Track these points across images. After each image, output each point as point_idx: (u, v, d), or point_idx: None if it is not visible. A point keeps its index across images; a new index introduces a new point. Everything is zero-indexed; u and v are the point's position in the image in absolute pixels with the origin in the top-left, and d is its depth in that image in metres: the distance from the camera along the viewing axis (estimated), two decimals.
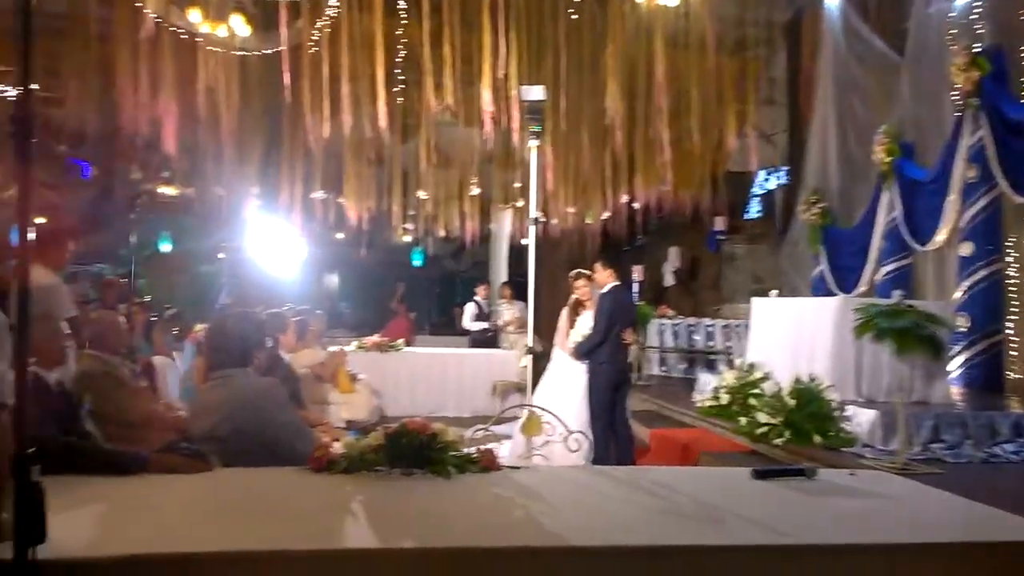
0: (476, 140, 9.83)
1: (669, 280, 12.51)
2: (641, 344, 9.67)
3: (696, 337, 10.39)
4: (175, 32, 6.70)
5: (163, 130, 6.38)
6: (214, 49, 6.38)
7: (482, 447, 3.02)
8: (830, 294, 8.41)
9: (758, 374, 7.01)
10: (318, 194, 8.71)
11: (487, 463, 2.87)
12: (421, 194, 8.79)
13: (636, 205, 9.58)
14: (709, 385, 7.59)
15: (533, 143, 4.10)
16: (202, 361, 5.26)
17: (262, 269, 10.90)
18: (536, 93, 4.33)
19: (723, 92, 9.07)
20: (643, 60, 7.67)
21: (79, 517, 2.09)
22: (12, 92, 9.05)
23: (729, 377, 7.08)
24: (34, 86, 1.68)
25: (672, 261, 12.41)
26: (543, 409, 3.43)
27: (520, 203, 10.17)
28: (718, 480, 3.09)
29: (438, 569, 1.97)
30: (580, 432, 3.48)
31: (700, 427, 6.99)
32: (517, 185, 9.39)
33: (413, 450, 2.78)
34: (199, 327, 6.56)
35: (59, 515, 2.06)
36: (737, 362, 7.28)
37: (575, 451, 3.37)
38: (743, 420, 6.31)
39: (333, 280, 17.49)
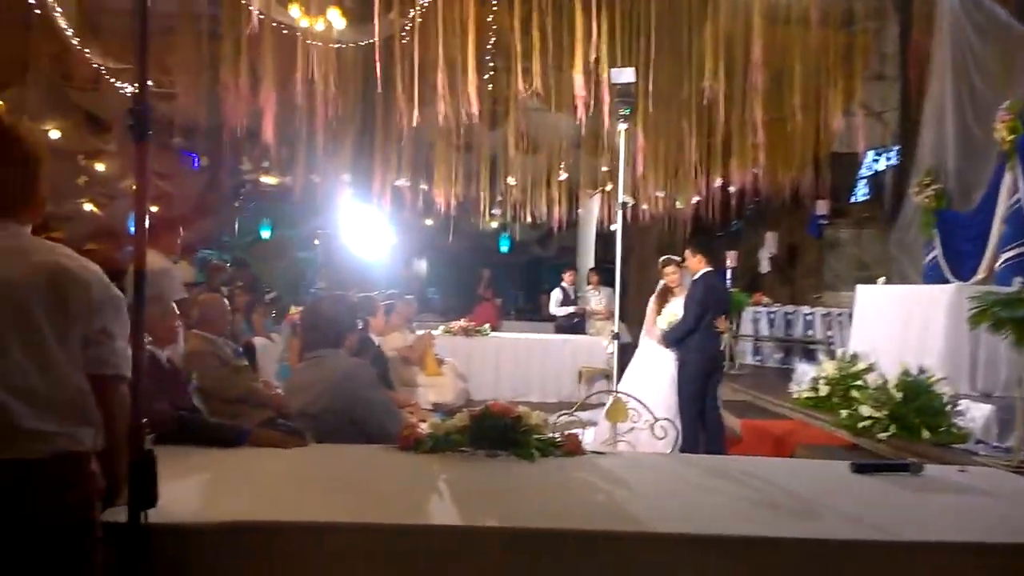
0: (564, 125, 9.82)
1: (765, 267, 12.10)
2: (734, 332, 9.44)
3: (794, 326, 10.05)
4: (276, 27, 6.99)
5: (263, 121, 6.67)
6: (312, 43, 6.61)
7: (566, 432, 3.04)
8: (944, 282, 7.92)
9: (861, 365, 6.73)
10: (401, 181, 8.88)
11: (571, 447, 2.90)
12: (510, 180, 8.83)
13: (731, 189, 9.29)
14: (807, 376, 7.34)
15: (622, 127, 4.06)
16: (297, 342, 5.52)
17: (355, 254, 11.29)
18: (626, 76, 4.29)
19: (828, 68, 8.67)
20: (741, 37, 7.43)
21: (186, 485, 2.25)
22: (130, 89, 9.68)
23: (829, 367, 6.83)
24: (149, 83, 1.79)
25: (769, 247, 11.99)
26: (628, 395, 3.42)
27: (608, 187, 10.07)
28: (815, 472, 2.99)
29: (519, 548, 2.01)
30: (667, 419, 3.45)
31: (796, 419, 6.78)
32: (604, 169, 9.29)
33: (497, 432, 2.83)
34: (295, 310, 6.87)
35: (168, 483, 2.22)
36: (839, 352, 7.00)
37: (661, 439, 3.34)
38: (844, 412, 6.07)
39: (422, 266, 17.87)
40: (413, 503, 2.26)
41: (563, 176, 8.98)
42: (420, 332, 7.59)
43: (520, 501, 2.31)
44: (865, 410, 5.86)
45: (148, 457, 1.60)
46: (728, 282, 9.99)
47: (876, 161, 12.49)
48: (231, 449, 2.76)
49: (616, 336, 3.99)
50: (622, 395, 3.41)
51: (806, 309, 10.09)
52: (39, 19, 7.37)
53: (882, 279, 8.01)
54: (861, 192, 12.72)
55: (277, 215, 15.96)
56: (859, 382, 6.59)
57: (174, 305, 3.80)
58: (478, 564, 1.99)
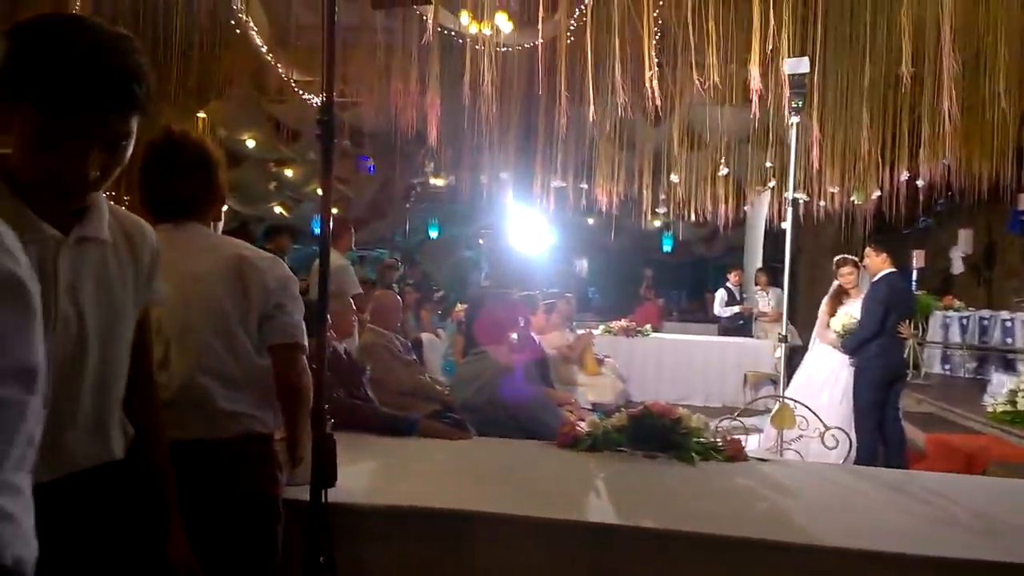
0: (731, 120, 9.46)
1: (958, 267, 10.95)
2: (920, 338, 8.67)
3: (990, 333, 9.07)
4: (447, 34, 7.31)
5: (429, 124, 6.99)
6: (480, 47, 6.83)
7: (729, 436, 2.96)
8: None
9: None
10: (558, 183, 8.92)
11: (733, 452, 2.83)
12: (673, 178, 8.61)
13: (918, 183, 8.46)
14: (1004, 387, 6.64)
15: (795, 119, 3.87)
16: (461, 338, 5.75)
17: (517, 253, 11.54)
18: (801, 66, 4.08)
19: None
20: (934, 14, 6.79)
21: (361, 470, 2.45)
22: (316, 99, 10.50)
23: None
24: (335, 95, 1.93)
25: (963, 245, 10.84)
26: (796, 401, 3.25)
27: (773, 184, 9.57)
28: (1003, 491, 2.72)
29: (674, 551, 2.00)
30: (839, 428, 3.25)
31: (990, 434, 6.14)
32: (768, 165, 8.80)
33: (656, 433, 2.82)
34: (460, 307, 7.14)
35: (344, 467, 2.42)
36: None
37: (832, 448, 3.16)
38: None
39: (583, 265, 17.91)
40: (569, 499, 2.31)
41: (724, 171, 8.58)
42: (580, 331, 7.63)
43: (678, 504, 2.30)
44: None
45: (329, 439, 1.76)
46: (914, 284, 9.20)
47: None
48: (402, 438, 2.94)
49: (784, 339, 3.81)
50: (789, 400, 3.25)
51: (1005, 314, 9.08)
52: (237, 38, 8.15)
53: None
54: None
55: (444, 215, 16.62)
56: None
57: (351, 300, 4.09)
58: (631, 563, 2.00)
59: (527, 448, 2.93)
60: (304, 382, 1.76)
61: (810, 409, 3.24)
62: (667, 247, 15.78)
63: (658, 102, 6.76)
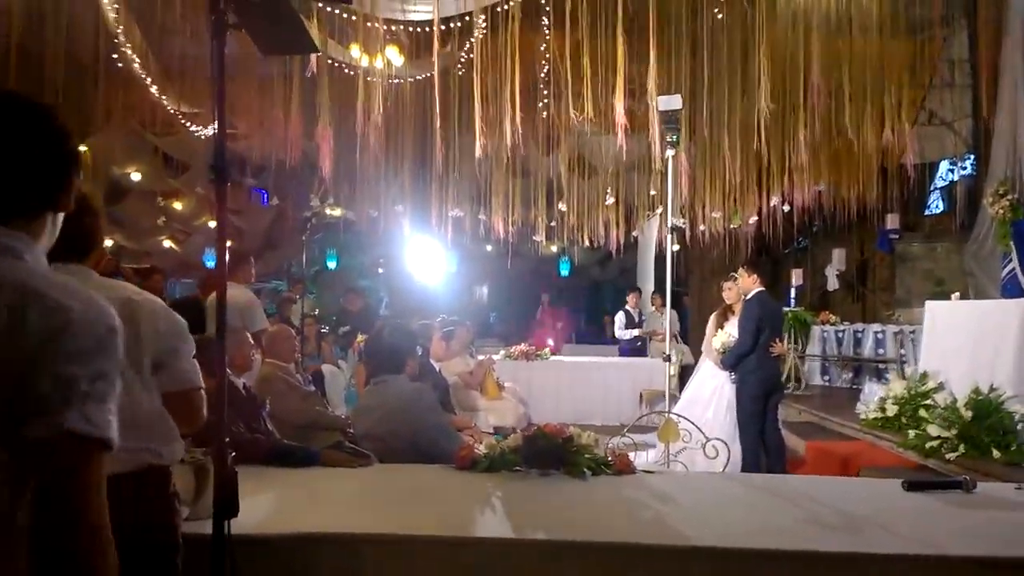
0: (616, 149, 9.97)
1: (833, 284, 11.93)
2: (800, 352, 9.36)
3: (863, 344, 9.87)
4: (336, 66, 7.41)
5: (320, 155, 7.05)
6: (372, 79, 6.98)
7: (617, 452, 3.20)
8: (1022, 295, 7.74)
9: (930, 384, 6.64)
10: (457, 211, 9.15)
11: (621, 466, 3.06)
12: (561, 206, 9.00)
13: (787, 208, 9.22)
14: (875, 396, 7.26)
15: (670, 153, 4.22)
16: (363, 368, 5.81)
17: (416, 282, 11.65)
18: (673, 103, 4.45)
19: (894, 78, 8.59)
20: (799, 51, 7.46)
21: (264, 500, 2.51)
22: (205, 131, 10.31)
23: (897, 387, 6.75)
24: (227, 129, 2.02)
25: (836, 263, 11.83)
26: (680, 416, 3.54)
27: (659, 211, 10.16)
28: (866, 491, 3.06)
29: (564, 559, 2.19)
30: (719, 440, 3.56)
31: (863, 440, 6.71)
32: (653, 192, 9.37)
33: (550, 452, 3.02)
34: (361, 338, 7.21)
35: (247, 499, 2.48)
36: (908, 371, 6.91)
37: (713, 458, 3.46)
38: (912, 433, 6.01)
39: (483, 292, 18.19)
40: (467, 517, 2.46)
41: (610, 200, 9.06)
42: (481, 357, 7.81)
43: (568, 516, 2.48)
44: (933, 430, 5.78)
45: (230, 471, 1.84)
46: (792, 301, 9.93)
47: (950, 172, 12.22)
48: (304, 468, 3.02)
49: (667, 358, 4.12)
50: (673, 416, 3.54)
51: (876, 327, 9.90)
52: (118, 69, 7.97)
53: (956, 294, 7.86)
54: (934, 205, 12.45)
55: (342, 245, 16.53)
56: (928, 401, 6.49)
57: (248, 335, 4.12)
58: (526, 573, 2.17)
59: (427, 472, 3.07)
60: (201, 416, 1.85)
61: (692, 423, 3.53)
62: (565, 271, 16.29)
63: (517, 135, 7.11)
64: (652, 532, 2.32)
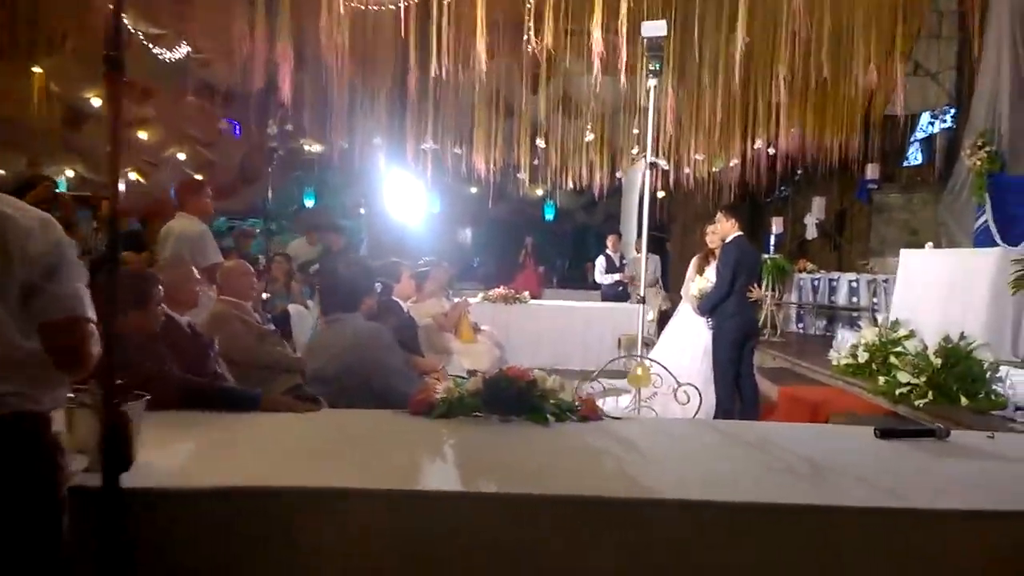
0: (604, 88, 9.54)
1: (812, 233, 11.65)
2: (777, 299, 9.15)
3: (838, 293, 9.69)
4: None
5: (280, 78, 6.56)
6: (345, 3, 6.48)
7: (583, 396, 2.94)
8: (994, 247, 7.54)
9: (902, 332, 6.46)
10: (428, 144, 8.67)
11: (587, 412, 2.81)
12: (539, 143, 8.54)
13: (771, 151, 8.81)
14: (847, 343, 7.09)
15: (652, 82, 3.87)
16: None
17: (397, 223, 11.27)
18: (658, 29, 4.08)
19: (882, 26, 8.19)
20: None
21: (181, 450, 2.24)
22: (168, 54, 9.69)
23: (869, 334, 6.57)
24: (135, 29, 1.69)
25: (816, 212, 11.54)
26: (652, 360, 3.28)
27: (640, 150, 9.74)
28: (837, 439, 2.86)
29: (519, 514, 1.94)
30: (691, 385, 3.31)
31: (835, 386, 6.55)
32: (636, 131, 8.94)
33: (511, 397, 2.76)
34: None
35: (166, 448, 2.21)
36: (880, 319, 6.72)
37: (684, 404, 3.22)
38: (882, 380, 5.86)
39: (467, 234, 17.81)
40: (415, 468, 2.21)
41: (590, 136, 8.61)
42: (457, 299, 7.53)
43: (524, 466, 2.24)
44: (903, 376, 5.64)
45: (121, 419, 1.55)
46: (772, 248, 9.66)
47: (931, 124, 11.90)
48: (243, 414, 2.74)
49: (641, 300, 3.83)
50: (646, 360, 3.28)
51: (851, 275, 9.71)
52: None
53: (929, 244, 7.66)
54: (913, 156, 12.16)
55: (322, 184, 16.01)
56: (899, 349, 6.34)
57: (194, 269, 3.79)
58: (479, 530, 1.92)
59: (378, 418, 2.80)
60: (88, 351, 1.54)
61: (664, 367, 3.28)
62: (550, 216, 15.91)
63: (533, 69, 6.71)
64: (615, 484, 2.08)
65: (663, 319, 9.01)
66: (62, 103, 11.32)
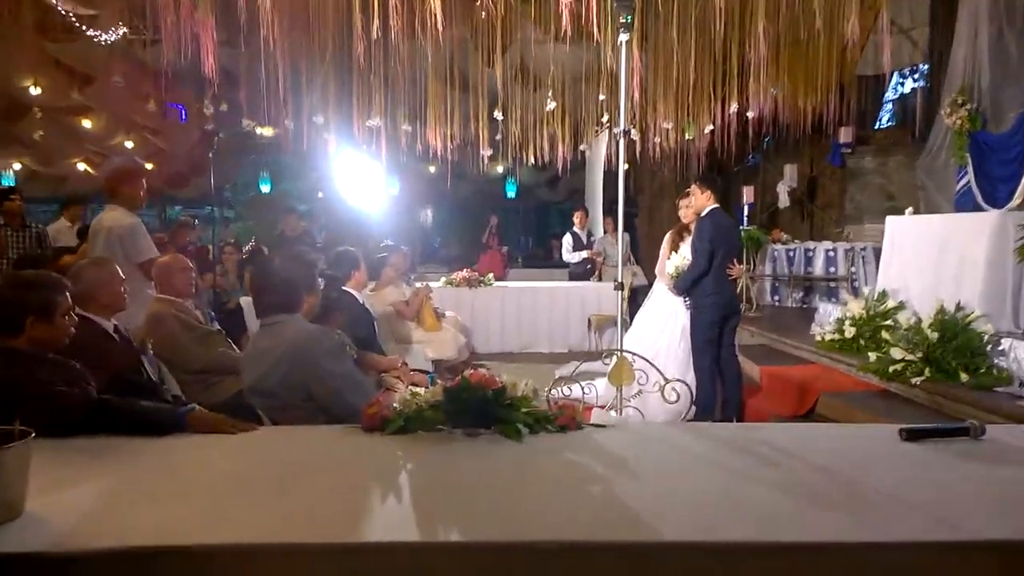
0: (564, 57, 9.13)
1: (784, 201, 11.41)
2: (751, 272, 8.91)
3: (814, 263, 9.49)
4: None
5: (203, 52, 6.03)
6: None
7: (561, 398, 2.59)
8: (976, 210, 7.33)
9: (891, 303, 6.24)
10: (373, 122, 8.15)
11: (565, 421, 2.46)
12: (497, 115, 8.08)
13: (750, 114, 8.41)
14: (831, 316, 6.86)
15: (623, 37, 3.48)
16: None
17: (356, 207, 10.78)
18: None
19: None
20: None
21: (81, 497, 1.82)
22: (104, 37, 9.06)
23: (855, 307, 6.34)
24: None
25: (788, 180, 11.30)
26: (635, 355, 2.94)
27: (606, 120, 9.33)
28: (857, 442, 2.45)
29: (484, 567, 1.58)
30: (679, 381, 2.99)
31: (819, 363, 6.32)
32: (603, 98, 8.50)
33: (477, 407, 2.39)
34: None
35: (59, 494, 1.82)
36: (865, 290, 6.49)
37: (673, 403, 2.89)
38: (872, 356, 5.62)
39: (427, 215, 17.32)
40: (366, 509, 1.82)
41: (551, 105, 8.14)
42: (418, 285, 7.12)
43: (499, 500, 1.86)
44: (896, 352, 5.42)
45: None
46: (745, 219, 9.42)
47: (902, 83, 11.73)
48: (164, 438, 2.33)
49: (620, 286, 3.48)
50: (627, 354, 2.94)
51: (827, 244, 9.51)
52: None
53: (909, 209, 7.42)
54: (886, 117, 11.98)
55: (277, 168, 15.41)
56: (888, 322, 6.12)
57: (117, 268, 3.36)
58: None
59: (324, 437, 2.42)
60: None
61: (650, 362, 2.94)
62: (511, 193, 15.49)
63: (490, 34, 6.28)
64: (608, 519, 1.72)
65: (635, 296, 8.71)
66: (2, 92, 10.58)
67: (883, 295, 6.35)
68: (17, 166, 13.47)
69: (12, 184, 13.40)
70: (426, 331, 6.46)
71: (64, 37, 9.54)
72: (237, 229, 13.37)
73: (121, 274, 3.32)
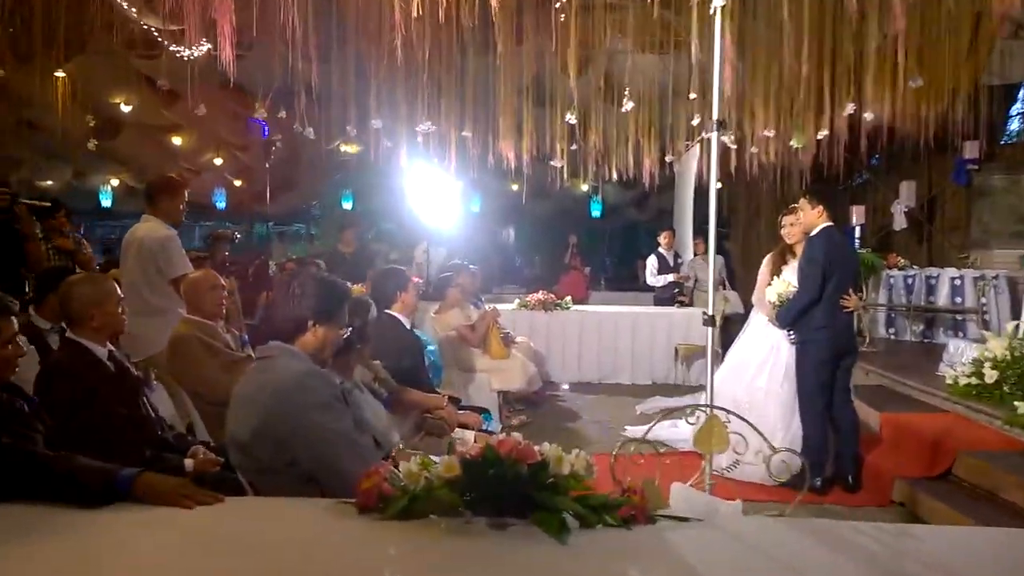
0: (654, 69, 8.40)
1: (900, 222, 10.10)
2: (865, 302, 7.82)
3: (937, 292, 8.32)
4: None
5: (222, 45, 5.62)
6: None
7: (628, 484, 1.88)
8: None
9: None
10: (424, 126, 7.53)
11: (631, 511, 1.74)
12: (569, 118, 7.34)
13: (867, 116, 7.27)
14: (964, 355, 5.80)
15: (718, 2, 2.77)
16: None
17: (429, 223, 10.30)
18: None
19: None
20: None
21: None
22: (186, 52, 8.97)
23: (996, 346, 5.29)
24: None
25: (905, 199, 10.02)
26: (728, 412, 2.18)
27: (702, 134, 8.46)
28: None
29: None
30: (791, 452, 2.22)
31: (952, 412, 5.29)
32: (692, 96, 7.58)
33: (506, 486, 1.71)
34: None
35: None
36: (1009, 327, 5.42)
37: (779, 479, 2.12)
38: (1022, 406, 4.60)
39: (509, 234, 16.71)
40: None
41: (629, 105, 7.23)
42: (487, 307, 6.51)
43: None
44: None
45: None
46: (856, 243, 8.35)
47: None
48: (102, 511, 1.77)
49: (711, 320, 2.72)
50: (720, 412, 2.18)
51: (952, 271, 8.32)
52: None
53: None
54: (1015, 129, 10.59)
55: (361, 186, 15.20)
56: None
57: (115, 285, 2.87)
58: None
59: (303, 518, 1.79)
60: None
61: (750, 424, 2.18)
62: (596, 212, 14.71)
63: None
64: None
65: (727, 325, 7.80)
66: (87, 107, 10.78)
67: None
68: (115, 182, 13.79)
69: (107, 200, 13.74)
70: (492, 358, 5.82)
71: (149, 53, 9.53)
72: (319, 246, 13.19)
73: (119, 292, 2.83)
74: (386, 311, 3.80)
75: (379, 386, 2.94)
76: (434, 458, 2.65)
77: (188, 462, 2.54)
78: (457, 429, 3.41)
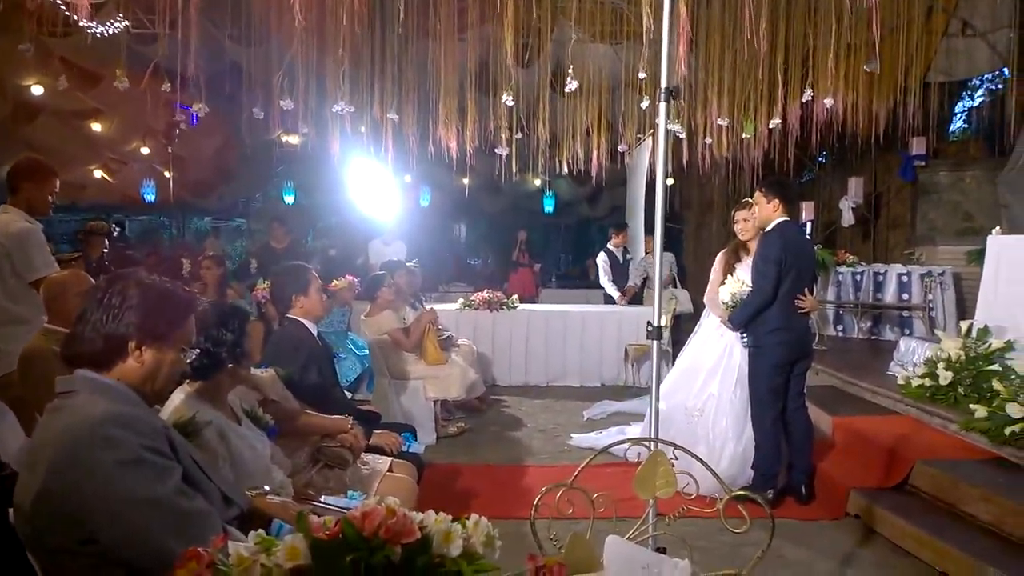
0: (605, 59, 7.96)
1: (848, 219, 9.83)
2: (820, 302, 7.51)
3: (884, 289, 8.08)
4: None
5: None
6: None
7: (540, 562, 1.39)
8: None
9: (996, 343, 4.87)
10: (339, 107, 6.92)
11: None
12: (505, 98, 6.81)
13: (828, 102, 6.91)
14: (916, 355, 5.51)
15: None
16: (260, 325, 3.90)
17: (375, 219, 9.71)
18: None
19: None
20: None
21: None
22: (99, 29, 8.15)
23: (950, 346, 4.99)
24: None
25: (853, 195, 9.76)
26: (676, 447, 1.69)
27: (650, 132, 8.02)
28: None
29: None
30: (755, 495, 1.76)
31: (906, 414, 4.98)
32: (645, 105, 7.10)
33: None
34: (263, 284, 5.21)
35: None
36: (962, 325, 5.11)
37: (739, 531, 1.65)
38: (981, 410, 4.29)
39: (461, 229, 16.14)
40: None
41: (573, 84, 6.70)
42: (425, 307, 5.98)
43: None
44: (1014, 410, 4.11)
45: None
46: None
47: (979, 90, 10.24)
48: None
49: (657, 333, 2.25)
50: (666, 448, 1.70)
51: (900, 268, 8.10)
52: None
53: (997, 228, 6.06)
54: (958, 127, 10.47)
55: (306, 180, 14.44)
56: (995, 366, 4.76)
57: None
58: None
59: None
60: None
61: (704, 463, 1.71)
62: (549, 208, 14.24)
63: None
64: None
65: (677, 324, 7.40)
66: (8, 92, 9.82)
67: (984, 331, 4.99)
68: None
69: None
70: (428, 364, 5.28)
71: (60, 31, 8.68)
72: (257, 241, 12.40)
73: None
74: (287, 315, 3.25)
75: (264, 411, 2.40)
76: (329, 501, 2.09)
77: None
78: (367, 455, 2.87)
